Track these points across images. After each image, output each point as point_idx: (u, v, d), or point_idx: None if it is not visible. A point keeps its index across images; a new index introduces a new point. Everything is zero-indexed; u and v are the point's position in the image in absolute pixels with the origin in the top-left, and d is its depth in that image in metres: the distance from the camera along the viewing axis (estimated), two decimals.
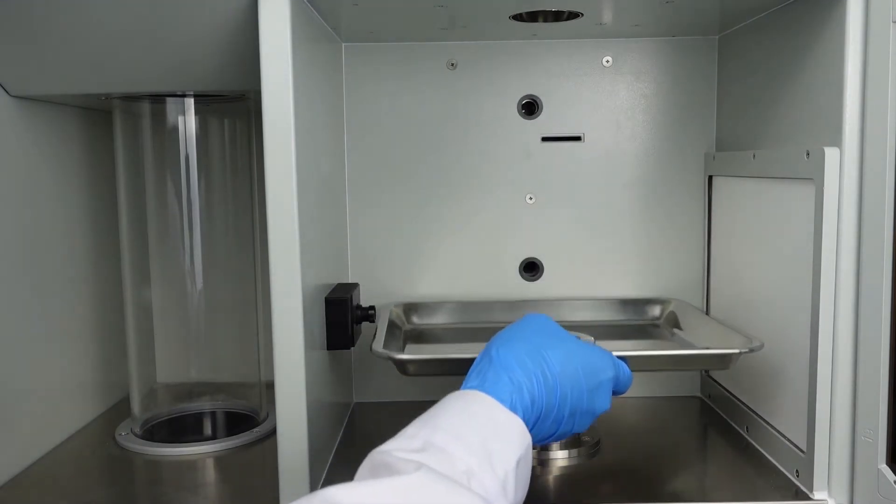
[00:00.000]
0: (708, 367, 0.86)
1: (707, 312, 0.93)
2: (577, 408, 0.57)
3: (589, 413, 0.59)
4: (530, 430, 0.53)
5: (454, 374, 0.64)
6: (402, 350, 0.82)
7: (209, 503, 0.71)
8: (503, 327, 0.75)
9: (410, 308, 0.93)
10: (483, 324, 0.92)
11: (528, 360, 0.56)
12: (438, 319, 0.93)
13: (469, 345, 0.86)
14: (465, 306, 0.93)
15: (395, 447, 0.47)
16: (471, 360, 0.60)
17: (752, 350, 0.69)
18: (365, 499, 0.41)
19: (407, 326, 0.91)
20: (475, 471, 0.46)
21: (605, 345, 0.66)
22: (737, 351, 0.69)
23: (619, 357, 0.65)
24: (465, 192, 0.93)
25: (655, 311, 0.93)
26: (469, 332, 0.91)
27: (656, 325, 0.91)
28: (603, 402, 0.60)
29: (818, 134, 0.66)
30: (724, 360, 0.71)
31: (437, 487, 0.43)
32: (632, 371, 0.65)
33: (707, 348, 0.76)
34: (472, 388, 0.54)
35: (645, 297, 0.94)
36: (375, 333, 0.77)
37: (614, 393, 0.63)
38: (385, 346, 0.73)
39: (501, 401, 0.52)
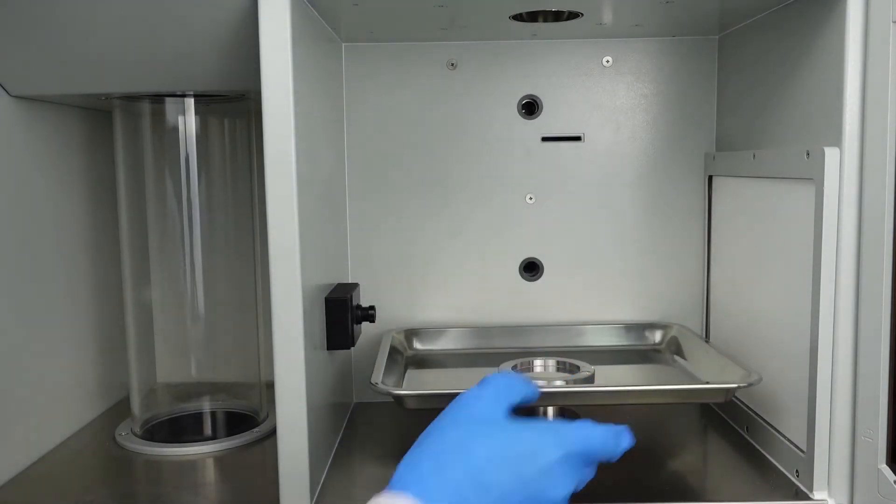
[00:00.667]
0: (706, 400, 0.87)
1: (707, 312, 0.93)
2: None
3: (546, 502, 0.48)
4: None
5: None
6: (402, 376, 0.83)
7: (209, 503, 0.71)
8: (506, 352, 0.76)
9: (412, 334, 0.93)
10: (486, 349, 0.92)
11: (447, 458, 0.48)
12: (441, 345, 0.93)
13: (472, 370, 0.86)
14: (468, 332, 0.94)
15: None
16: None
17: (750, 385, 0.69)
18: None
19: (409, 352, 0.91)
20: None
21: (606, 371, 0.65)
22: (735, 385, 0.69)
23: (615, 390, 0.63)
24: (464, 192, 0.93)
25: (657, 336, 0.93)
26: (472, 357, 0.91)
27: (658, 351, 0.92)
28: (559, 486, 0.49)
29: (818, 134, 0.66)
30: (722, 394, 0.71)
31: None
32: (631, 404, 0.62)
33: (707, 383, 0.76)
34: (397, 490, 0.46)
35: (646, 321, 0.94)
36: (376, 362, 0.77)
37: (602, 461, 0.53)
38: (385, 374, 0.75)
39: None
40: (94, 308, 0.92)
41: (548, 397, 0.71)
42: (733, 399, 0.83)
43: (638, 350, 0.93)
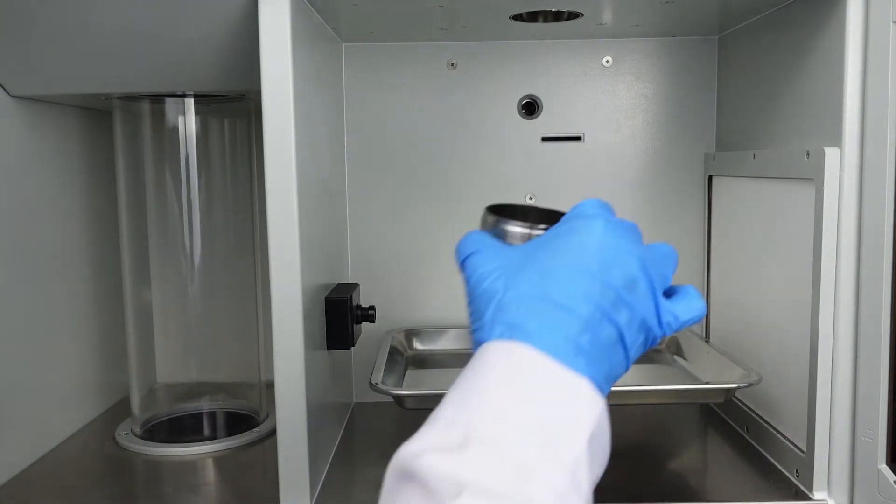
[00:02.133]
0: (706, 400, 0.87)
1: (707, 311, 0.93)
2: (647, 316, 0.42)
3: (648, 330, 0.42)
4: (599, 379, 0.39)
5: None
6: (402, 376, 0.83)
7: (209, 503, 0.71)
8: None
9: (413, 334, 0.93)
10: None
11: (570, 278, 0.40)
12: (441, 345, 0.93)
13: None
14: (468, 332, 0.93)
15: (429, 445, 0.36)
16: None
17: (750, 385, 0.69)
18: None
19: (409, 352, 0.91)
20: (535, 465, 0.35)
21: None
22: (734, 386, 0.70)
23: (615, 390, 0.63)
24: (464, 192, 0.93)
25: None
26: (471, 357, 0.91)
27: (658, 351, 0.92)
28: (659, 310, 0.42)
29: (818, 134, 0.66)
30: (722, 395, 0.72)
31: None
32: (632, 404, 0.61)
33: (707, 383, 0.76)
34: (511, 337, 0.39)
35: None
36: (376, 362, 0.77)
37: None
38: (385, 374, 0.75)
39: (556, 354, 0.38)
40: (94, 308, 0.92)
41: None
42: (733, 399, 0.83)
43: None
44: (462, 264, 0.46)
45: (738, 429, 0.82)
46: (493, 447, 0.35)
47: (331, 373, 0.79)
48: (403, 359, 0.88)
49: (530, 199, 0.93)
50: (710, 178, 0.92)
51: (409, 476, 0.35)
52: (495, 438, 0.35)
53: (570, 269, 0.41)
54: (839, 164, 0.62)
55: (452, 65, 0.92)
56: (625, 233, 0.43)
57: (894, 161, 0.59)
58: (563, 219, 0.46)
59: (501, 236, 0.48)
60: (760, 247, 0.78)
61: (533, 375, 0.38)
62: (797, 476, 0.69)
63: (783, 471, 0.71)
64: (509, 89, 0.92)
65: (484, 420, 0.36)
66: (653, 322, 0.42)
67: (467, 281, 0.45)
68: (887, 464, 0.61)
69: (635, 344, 0.42)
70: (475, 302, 0.43)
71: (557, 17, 0.79)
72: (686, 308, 0.44)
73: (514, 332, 0.40)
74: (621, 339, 0.41)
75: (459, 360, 0.90)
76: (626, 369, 0.42)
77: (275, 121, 0.62)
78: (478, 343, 0.42)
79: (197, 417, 0.89)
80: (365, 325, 0.82)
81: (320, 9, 0.73)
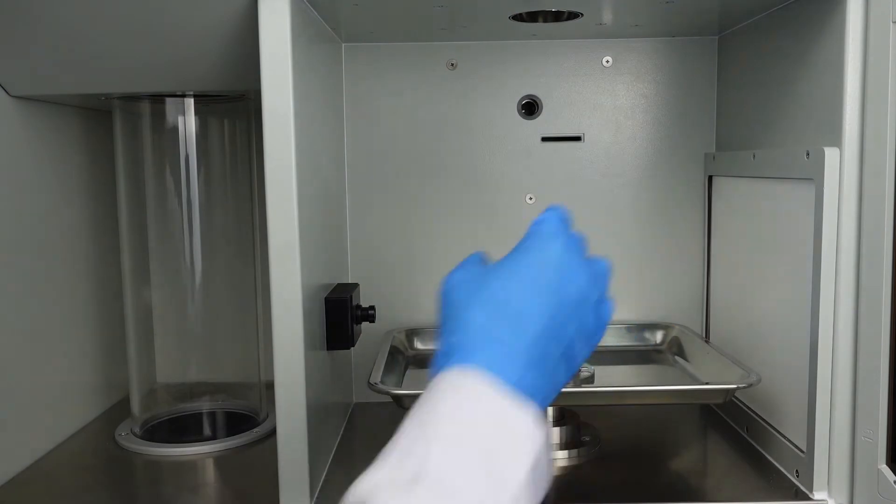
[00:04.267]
0: (706, 400, 0.86)
1: (707, 312, 0.93)
2: (592, 327, 0.47)
3: (590, 338, 0.47)
4: (547, 389, 0.43)
5: None
6: (402, 376, 0.83)
7: (209, 503, 0.71)
8: None
9: (413, 333, 0.93)
10: None
11: (529, 293, 0.44)
12: None
13: None
14: None
15: (381, 480, 0.38)
16: None
17: (749, 385, 0.69)
18: None
19: (410, 352, 0.91)
20: (480, 501, 0.38)
21: (607, 371, 0.65)
22: (734, 386, 0.69)
23: (615, 390, 0.64)
24: (464, 192, 0.93)
25: (658, 336, 0.93)
26: None
27: (659, 351, 0.92)
28: (598, 317, 0.48)
29: (818, 134, 0.66)
30: (721, 395, 0.71)
31: None
32: (632, 405, 0.61)
33: (706, 383, 0.76)
34: (465, 360, 0.43)
35: (647, 321, 0.94)
36: (375, 362, 0.77)
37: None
38: (385, 374, 0.75)
39: (506, 372, 0.42)
40: (94, 308, 0.92)
41: None
42: (733, 399, 0.83)
43: (639, 350, 0.93)
44: (442, 283, 0.50)
45: (738, 429, 0.82)
46: (441, 485, 0.38)
47: (331, 373, 0.79)
48: (404, 359, 0.88)
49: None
50: (710, 178, 0.92)
51: None
52: (444, 475, 0.38)
53: (530, 285, 0.45)
54: (839, 164, 0.62)
55: (452, 65, 0.92)
56: (578, 250, 0.49)
57: (894, 161, 0.59)
58: (527, 233, 0.49)
59: None
60: (760, 247, 0.78)
61: (480, 411, 0.41)
62: (797, 476, 0.69)
63: (783, 471, 0.71)
64: (509, 89, 0.92)
65: (433, 456, 0.39)
66: (595, 330, 0.47)
67: (440, 294, 0.49)
68: (887, 464, 0.61)
69: (581, 353, 0.46)
70: (443, 309, 0.47)
71: (557, 17, 0.79)
72: (607, 310, 0.49)
73: (470, 351, 0.43)
74: (570, 349, 0.45)
75: None
76: (571, 377, 0.46)
77: (275, 121, 0.62)
78: (441, 351, 0.45)
79: (197, 417, 0.89)
80: (365, 325, 0.82)
81: (320, 9, 0.73)
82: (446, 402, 0.41)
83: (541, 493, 0.41)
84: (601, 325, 0.48)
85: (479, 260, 0.52)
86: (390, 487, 0.37)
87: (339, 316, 0.73)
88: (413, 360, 0.89)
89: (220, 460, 0.80)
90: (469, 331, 0.44)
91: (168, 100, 0.82)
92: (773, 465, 0.73)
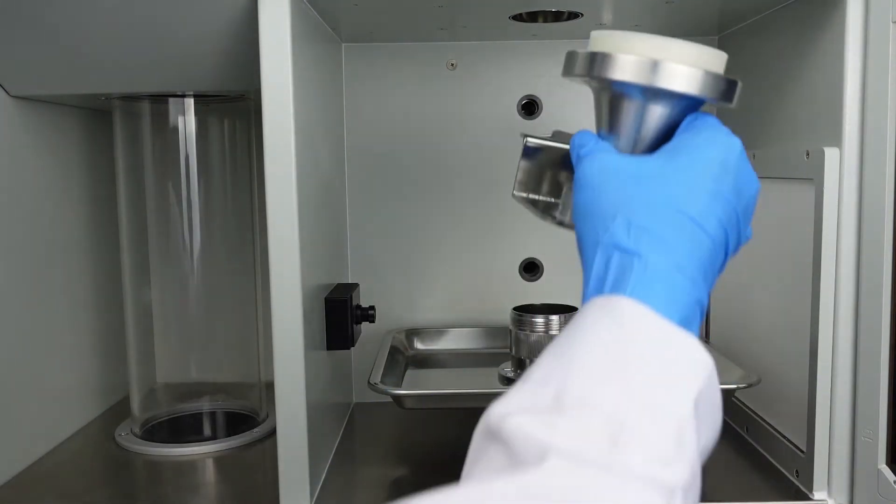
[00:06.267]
0: None
1: (707, 312, 0.93)
2: (736, 245, 0.42)
3: (743, 236, 0.43)
4: (693, 324, 0.37)
5: (452, 406, 0.66)
6: (402, 376, 0.83)
7: (209, 503, 0.71)
8: (506, 352, 0.74)
9: (413, 333, 0.93)
10: (486, 349, 0.92)
11: (657, 224, 0.38)
12: (441, 345, 0.93)
13: (472, 370, 0.87)
14: (468, 332, 0.94)
15: (518, 405, 0.33)
16: (467, 395, 0.59)
17: (749, 385, 0.69)
18: None
19: (410, 352, 0.91)
20: (631, 429, 0.31)
21: None
22: (734, 386, 0.70)
23: None
24: (464, 192, 0.93)
25: None
26: (472, 357, 0.91)
27: None
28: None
29: (818, 134, 0.66)
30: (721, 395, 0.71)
31: (566, 490, 0.30)
32: None
33: None
34: (615, 292, 0.37)
35: None
36: (375, 362, 0.77)
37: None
38: (385, 374, 0.75)
39: (661, 309, 0.36)
40: (94, 308, 0.92)
41: None
42: (733, 399, 0.83)
43: None
44: (583, 156, 0.43)
45: (738, 429, 0.82)
46: (586, 408, 0.32)
47: (331, 373, 0.79)
48: (404, 359, 0.88)
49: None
50: None
51: (496, 436, 0.33)
52: (589, 399, 0.33)
53: (711, 190, 0.39)
54: (839, 164, 0.62)
55: (452, 65, 0.92)
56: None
57: (894, 161, 0.59)
58: (689, 126, 0.43)
59: None
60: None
61: (635, 332, 0.35)
62: (797, 476, 0.69)
63: (783, 471, 0.71)
64: (509, 89, 0.92)
65: (579, 379, 0.33)
66: (739, 244, 0.42)
67: (589, 175, 0.42)
68: (887, 464, 0.61)
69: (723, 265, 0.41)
70: (599, 201, 0.40)
71: (557, 17, 0.79)
72: (749, 233, 0.44)
73: (645, 266, 0.37)
74: (724, 262, 0.41)
75: (460, 359, 0.90)
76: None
77: (275, 121, 0.62)
78: (586, 243, 0.40)
79: (197, 417, 0.89)
80: (365, 325, 0.82)
81: (320, 9, 0.73)
82: (594, 327, 0.36)
83: (710, 438, 0.36)
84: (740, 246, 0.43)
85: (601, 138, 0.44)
86: (526, 411, 0.33)
87: (339, 316, 0.73)
88: (413, 360, 0.89)
89: (220, 460, 0.80)
90: (639, 240, 0.38)
91: (168, 100, 0.82)
92: (773, 465, 0.73)
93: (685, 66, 0.41)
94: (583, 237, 0.41)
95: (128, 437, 0.84)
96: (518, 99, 0.92)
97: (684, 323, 0.36)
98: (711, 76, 0.42)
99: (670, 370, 0.34)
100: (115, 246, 0.89)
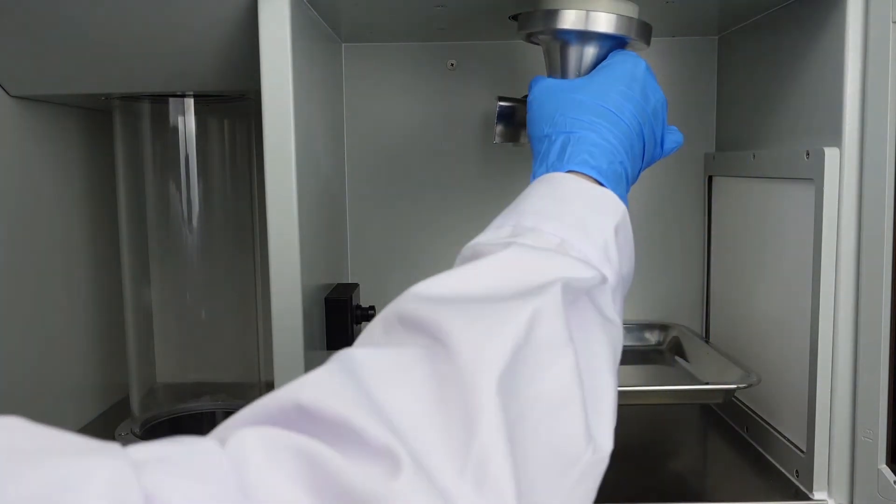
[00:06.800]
0: (706, 400, 0.86)
1: (707, 312, 0.93)
2: (651, 140, 0.56)
3: (660, 138, 0.57)
4: (618, 188, 0.51)
5: None
6: None
7: None
8: None
9: None
10: None
11: (584, 115, 0.52)
12: None
13: None
14: None
15: (484, 239, 0.45)
16: None
17: (749, 385, 0.69)
18: (452, 288, 0.39)
19: None
20: (571, 241, 0.44)
21: None
22: (734, 386, 0.70)
23: (617, 391, 0.64)
24: (464, 192, 0.93)
25: (658, 336, 0.93)
26: None
27: (659, 352, 0.92)
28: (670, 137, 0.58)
29: (818, 134, 0.66)
30: (721, 395, 0.71)
31: (527, 257, 0.41)
32: (631, 405, 0.63)
33: (706, 383, 0.76)
34: (554, 168, 0.51)
35: (647, 321, 0.94)
36: None
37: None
38: None
39: (591, 169, 0.50)
40: (94, 308, 0.92)
41: None
42: (733, 399, 0.83)
43: (639, 350, 0.93)
44: (532, 85, 0.58)
45: (738, 429, 0.82)
46: (536, 231, 0.44)
47: None
48: None
49: None
50: (710, 178, 0.91)
51: (468, 258, 0.44)
52: (538, 228, 0.45)
53: (623, 91, 0.54)
54: (839, 164, 0.62)
55: (452, 65, 0.92)
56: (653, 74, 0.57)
57: (894, 161, 0.59)
58: (610, 57, 0.59)
59: None
60: (760, 247, 0.78)
61: (566, 188, 0.49)
62: (797, 476, 0.69)
63: (783, 471, 0.71)
64: (509, 89, 0.92)
65: (528, 218, 0.46)
66: (658, 143, 0.57)
67: (535, 93, 0.57)
68: (887, 464, 0.61)
69: (647, 159, 0.56)
70: (543, 108, 0.55)
71: None
72: (675, 137, 0.59)
73: (582, 140, 0.51)
74: (643, 152, 0.54)
75: None
76: (634, 181, 0.55)
77: (275, 121, 0.62)
78: (541, 146, 0.53)
79: (197, 417, 0.89)
80: (365, 325, 0.82)
81: (320, 9, 0.73)
82: (536, 189, 0.49)
83: (628, 264, 0.48)
84: (670, 149, 0.58)
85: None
86: (490, 242, 0.44)
87: (339, 316, 0.73)
88: None
89: None
90: (576, 127, 0.52)
91: (168, 100, 0.82)
92: (773, 465, 0.73)
93: (606, 13, 0.58)
94: (533, 139, 0.55)
95: (128, 437, 0.84)
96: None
97: (611, 179, 0.50)
98: (626, 19, 0.59)
99: (594, 209, 0.47)
100: (115, 246, 0.89)
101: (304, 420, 0.32)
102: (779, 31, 0.74)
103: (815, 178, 0.64)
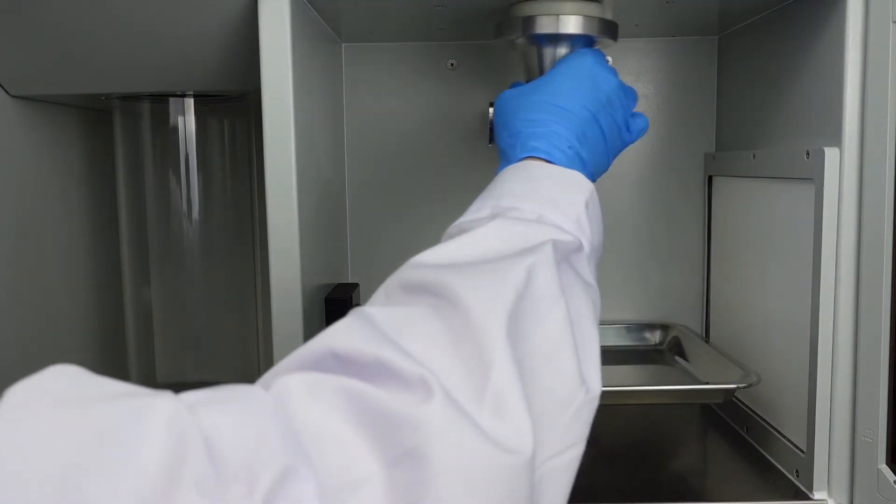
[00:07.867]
0: (706, 400, 0.86)
1: (707, 312, 0.93)
2: (612, 125, 0.59)
3: (623, 123, 0.61)
4: (589, 172, 0.56)
5: None
6: None
7: None
8: None
9: None
10: None
11: (536, 112, 0.57)
12: None
13: None
14: None
15: (466, 219, 0.50)
16: None
17: (749, 385, 0.69)
18: (450, 255, 0.43)
19: None
20: (547, 215, 0.48)
21: (606, 371, 0.65)
22: (733, 386, 0.70)
23: (615, 390, 0.65)
24: (464, 192, 0.93)
25: (658, 336, 0.93)
26: None
27: (659, 351, 0.92)
28: (626, 103, 0.61)
29: (818, 134, 0.66)
30: (721, 395, 0.71)
31: (514, 228, 0.46)
32: (631, 404, 0.64)
33: (706, 383, 0.76)
34: (520, 154, 0.56)
35: (647, 321, 0.94)
36: None
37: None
38: None
39: (552, 159, 0.54)
40: (94, 308, 0.92)
41: None
42: (733, 399, 0.83)
43: (639, 350, 0.93)
44: (498, 99, 0.62)
45: (738, 429, 0.82)
46: (515, 210, 0.49)
47: None
48: None
49: None
50: (710, 178, 0.92)
51: (455, 235, 0.48)
52: (516, 206, 0.49)
53: (572, 85, 0.58)
54: (839, 164, 0.62)
55: (452, 65, 0.92)
56: (609, 67, 0.62)
57: (894, 161, 0.59)
58: (561, 60, 0.63)
59: None
60: (760, 247, 0.78)
61: (535, 171, 0.53)
62: (797, 476, 0.69)
63: (783, 471, 0.71)
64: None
65: (506, 199, 0.50)
66: (623, 129, 0.61)
67: (500, 104, 0.61)
68: (887, 464, 0.61)
69: (614, 144, 0.59)
70: (505, 115, 0.59)
71: None
72: (639, 121, 0.62)
73: (529, 140, 0.56)
74: (604, 137, 0.58)
75: None
76: (607, 167, 0.60)
77: (275, 121, 0.62)
78: (503, 149, 0.59)
79: None
80: None
81: (320, 9, 0.73)
82: (508, 175, 0.53)
83: (598, 235, 0.53)
84: (637, 133, 0.62)
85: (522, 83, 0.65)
86: (474, 220, 0.49)
87: (339, 316, 0.73)
88: None
89: None
90: (527, 126, 0.56)
91: (168, 100, 0.82)
92: (773, 465, 0.73)
93: (574, 15, 0.63)
94: (500, 144, 0.60)
95: None
96: None
97: (563, 162, 0.55)
98: (590, 19, 0.63)
99: (563, 187, 0.52)
100: (115, 246, 0.89)
101: (340, 365, 0.35)
102: (779, 31, 0.74)
103: (815, 178, 0.64)
